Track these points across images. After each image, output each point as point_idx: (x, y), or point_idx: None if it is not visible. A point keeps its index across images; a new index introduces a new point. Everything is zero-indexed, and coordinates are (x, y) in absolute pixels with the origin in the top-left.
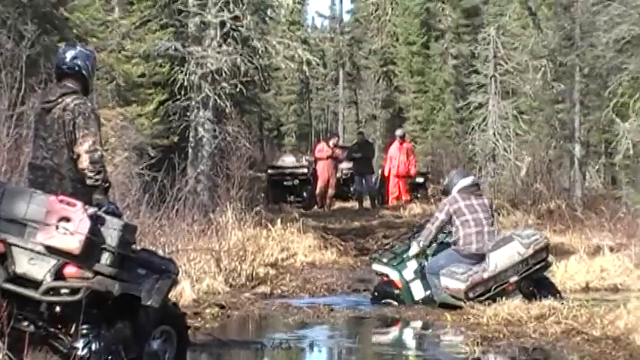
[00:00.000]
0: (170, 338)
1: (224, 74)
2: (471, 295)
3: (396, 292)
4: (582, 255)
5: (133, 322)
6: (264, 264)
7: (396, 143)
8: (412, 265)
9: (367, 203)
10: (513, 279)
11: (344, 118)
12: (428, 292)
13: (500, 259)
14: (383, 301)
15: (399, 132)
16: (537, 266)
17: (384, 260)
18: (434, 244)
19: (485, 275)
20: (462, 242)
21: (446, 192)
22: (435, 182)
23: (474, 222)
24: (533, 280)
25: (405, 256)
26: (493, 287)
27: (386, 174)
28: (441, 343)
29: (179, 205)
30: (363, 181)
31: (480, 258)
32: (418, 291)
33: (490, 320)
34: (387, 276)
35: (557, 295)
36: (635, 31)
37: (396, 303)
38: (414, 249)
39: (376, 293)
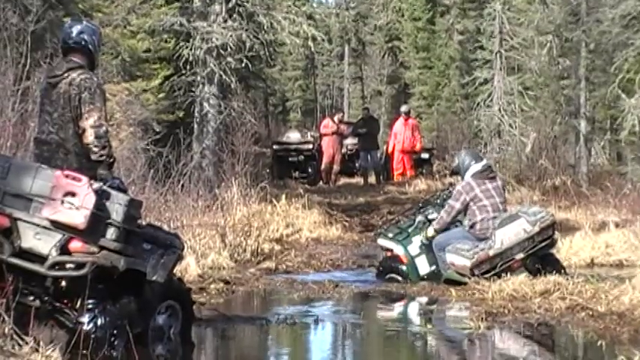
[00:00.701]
0: (175, 313)
1: (229, 49)
2: (476, 272)
3: (401, 267)
4: (587, 231)
5: (138, 297)
6: (269, 239)
7: (401, 119)
8: (417, 240)
9: (372, 179)
10: (519, 256)
11: (349, 94)
12: (433, 267)
13: (507, 236)
14: (388, 277)
15: (404, 108)
16: (543, 244)
17: (390, 235)
18: None
19: (491, 252)
20: (479, 226)
21: (455, 172)
22: (440, 158)
23: (491, 207)
24: (539, 256)
25: (410, 231)
26: (499, 264)
27: (390, 150)
28: (446, 318)
29: (184, 180)
30: (368, 157)
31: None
32: (423, 266)
33: (495, 296)
34: (392, 251)
35: (563, 271)
36: None
37: (400, 278)
38: (430, 232)
39: (381, 268)
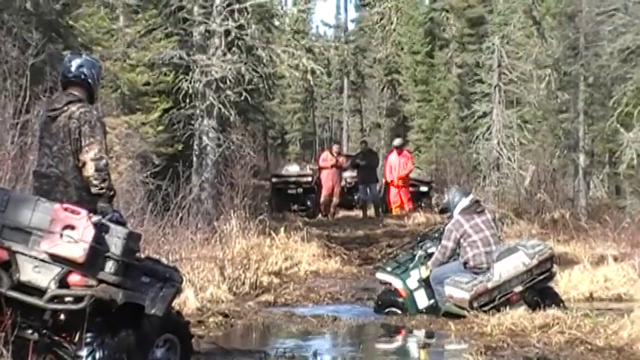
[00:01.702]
0: (174, 347)
1: (228, 82)
2: (475, 304)
3: (400, 300)
4: (586, 264)
5: (136, 330)
6: (267, 272)
7: (395, 153)
8: (416, 274)
9: (371, 212)
10: (518, 289)
11: (348, 127)
12: (432, 301)
13: (505, 269)
14: (386, 310)
15: (396, 142)
16: (542, 277)
17: (388, 269)
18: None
19: (490, 285)
20: (473, 263)
21: (445, 210)
22: (438, 191)
23: (481, 242)
24: (537, 290)
25: (409, 265)
26: (497, 297)
27: (388, 180)
28: (445, 352)
29: (183, 213)
30: (367, 189)
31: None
32: (422, 300)
33: (494, 329)
34: (390, 284)
35: (561, 305)
36: None
37: (399, 312)
38: (425, 273)
39: (380, 302)
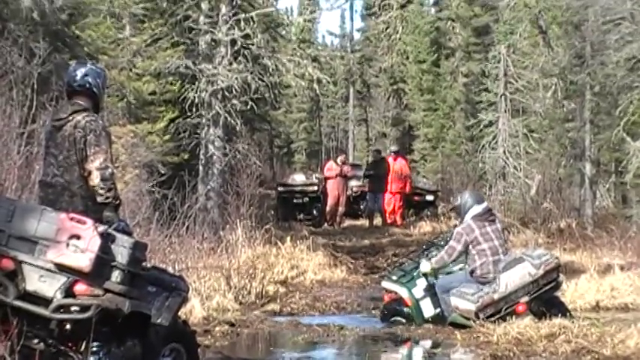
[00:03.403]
0: (180, 356)
1: (234, 92)
2: (481, 315)
3: (406, 310)
4: (593, 274)
5: (142, 339)
6: (273, 282)
7: (391, 159)
8: (422, 283)
9: (378, 221)
10: (524, 299)
11: (354, 136)
12: (437, 310)
13: (511, 279)
14: (392, 319)
15: (392, 147)
16: (548, 287)
17: (394, 278)
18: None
19: (496, 296)
20: (480, 272)
21: (456, 211)
22: (444, 200)
23: (490, 250)
24: (543, 299)
25: (414, 274)
26: (504, 308)
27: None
28: None
29: (189, 222)
30: (375, 198)
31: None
32: (428, 309)
33: (500, 339)
34: (396, 293)
35: (568, 314)
36: None
37: (404, 321)
38: (426, 267)
39: (385, 311)
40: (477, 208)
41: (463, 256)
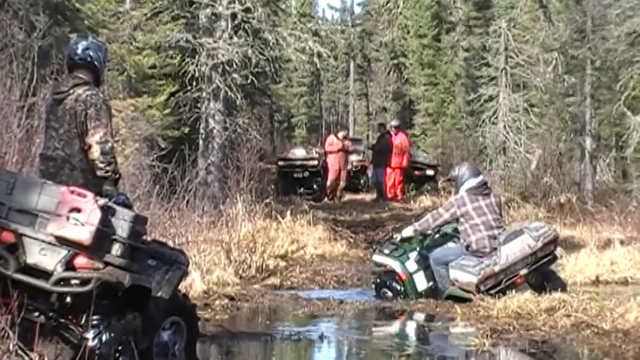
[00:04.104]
0: (180, 329)
1: (235, 66)
2: (482, 288)
3: (396, 285)
4: (592, 248)
5: (143, 313)
6: (274, 256)
7: (392, 133)
8: (414, 256)
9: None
10: (523, 272)
11: (354, 111)
12: (430, 284)
13: (512, 252)
14: (382, 291)
15: (393, 122)
16: (545, 259)
17: (386, 252)
18: (436, 235)
19: (497, 268)
20: (475, 246)
21: (452, 181)
22: (445, 175)
23: (483, 225)
24: (541, 272)
25: (406, 247)
26: (504, 280)
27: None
28: (451, 335)
29: (189, 196)
30: (378, 173)
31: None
32: (421, 282)
33: (500, 313)
34: (387, 266)
35: (565, 288)
36: None
37: (390, 294)
38: (408, 231)
39: (378, 280)
40: (472, 182)
41: (453, 230)
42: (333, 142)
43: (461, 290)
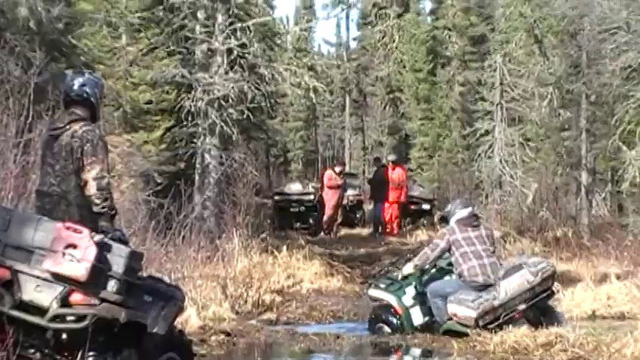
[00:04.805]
0: None
1: (231, 101)
2: (480, 322)
3: (392, 319)
4: (589, 282)
5: (138, 349)
6: (270, 291)
7: (390, 167)
8: (411, 291)
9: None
10: (521, 307)
11: (350, 145)
12: (427, 319)
13: (511, 287)
14: (377, 326)
15: (390, 157)
16: (543, 294)
17: (382, 286)
18: (432, 270)
19: (496, 303)
20: (468, 275)
21: (444, 219)
22: (441, 209)
23: (472, 254)
24: (539, 308)
25: (402, 282)
26: (503, 315)
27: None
28: None
29: (185, 231)
30: (377, 208)
31: (486, 288)
32: (417, 317)
33: (497, 348)
34: (384, 301)
35: (563, 323)
36: None
37: (387, 329)
38: (408, 268)
39: (373, 316)
40: (462, 213)
41: (448, 264)
42: (331, 176)
43: (459, 325)
